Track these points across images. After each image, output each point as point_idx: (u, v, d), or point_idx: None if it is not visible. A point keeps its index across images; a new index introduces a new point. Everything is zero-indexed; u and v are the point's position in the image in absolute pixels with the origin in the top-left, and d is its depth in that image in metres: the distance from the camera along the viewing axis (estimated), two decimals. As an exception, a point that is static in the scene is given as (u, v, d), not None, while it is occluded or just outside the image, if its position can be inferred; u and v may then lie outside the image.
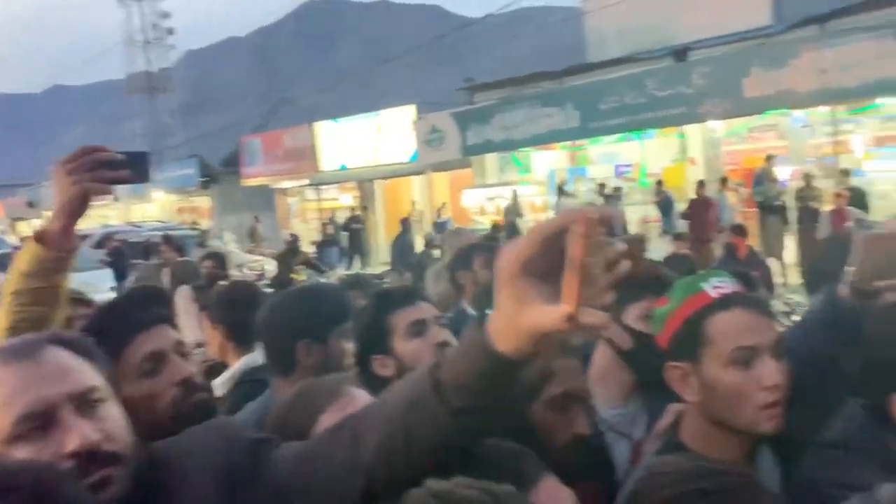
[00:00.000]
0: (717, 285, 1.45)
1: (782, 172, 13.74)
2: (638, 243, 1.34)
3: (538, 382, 1.41)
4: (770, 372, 1.36)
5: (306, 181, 23.11)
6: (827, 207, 11.41)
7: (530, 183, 17.67)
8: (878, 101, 12.66)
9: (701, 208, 12.69)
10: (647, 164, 16.31)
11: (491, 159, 17.94)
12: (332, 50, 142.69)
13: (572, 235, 0.80)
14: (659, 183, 14.75)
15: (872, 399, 1.34)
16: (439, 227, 16.48)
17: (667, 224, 13.84)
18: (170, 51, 51.88)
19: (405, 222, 16.54)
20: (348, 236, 19.05)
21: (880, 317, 1.39)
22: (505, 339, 0.84)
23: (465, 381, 0.87)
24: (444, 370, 0.89)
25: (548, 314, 0.81)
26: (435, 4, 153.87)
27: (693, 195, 13.14)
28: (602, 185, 15.50)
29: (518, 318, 0.83)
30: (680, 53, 14.88)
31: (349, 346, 1.83)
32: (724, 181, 13.68)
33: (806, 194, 12.27)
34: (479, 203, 17.61)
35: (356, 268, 16.88)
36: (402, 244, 15.59)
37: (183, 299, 3.05)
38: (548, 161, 17.91)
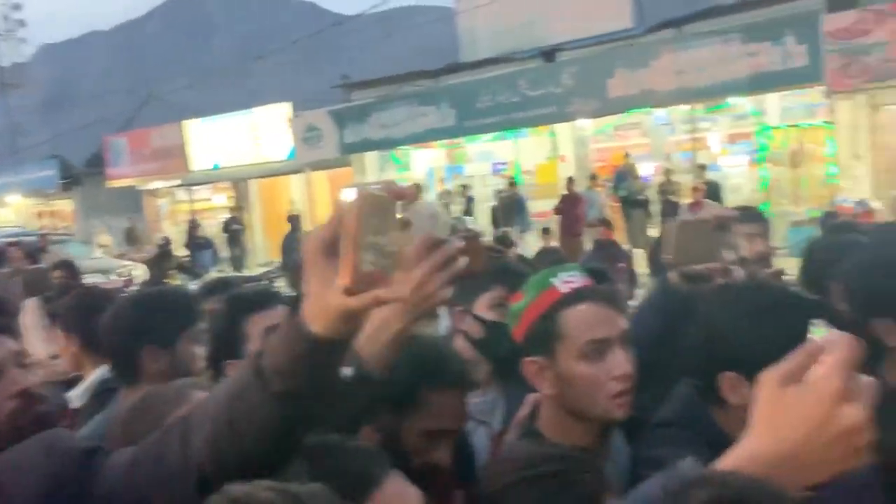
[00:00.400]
0: (568, 280, 1.50)
1: (646, 168, 14.52)
2: (475, 239, 1.37)
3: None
4: (620, 362, 1.43)
5: (177, 182, 22.21)
6: (686, 200, 12.14)
7: (410, 181, 17.76)
8: (730, 100, 13.58)
9: (570, 204, 13.23)
10: (522, 162, 16.77)
11: (370, 158, 17.89)
12: (202, 46, 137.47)
13: (347, 212, 0.83)
14: (512, 184, 15.20)
15: (703, 378, 1.42)
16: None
17: (520, 222, 14.21)
18: (21, 44, 48.37)
19: (294, 220, 16.18)
20: (228, 238, 18.49)
21: (709, 299, 1.49)
22: (316, 320, 0.86)
23: (284, 365, 0.87)
24: (265, 357, 0.89)
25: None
26: (309, 1, 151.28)
27: (564, 191, 13.67)
28: (465, 187, 15.83)
29: (324, 298, 0.86)
30: (549, 54, 15.38)
31: (199, 351, 1.78)
32: (593, 178, 14.28)
33: (667, 188, 13.04)
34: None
35: (232, 271, 16.40)
36: (292, 242, 15.25)
37: (30, 312, 2.86)
38: (427, 159, 18.07)
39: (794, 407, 0.76)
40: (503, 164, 17.25)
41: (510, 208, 14.44)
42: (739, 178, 14.02)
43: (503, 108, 14.85)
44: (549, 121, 14.83)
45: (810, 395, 0.75)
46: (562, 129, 15.40)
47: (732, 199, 12.87)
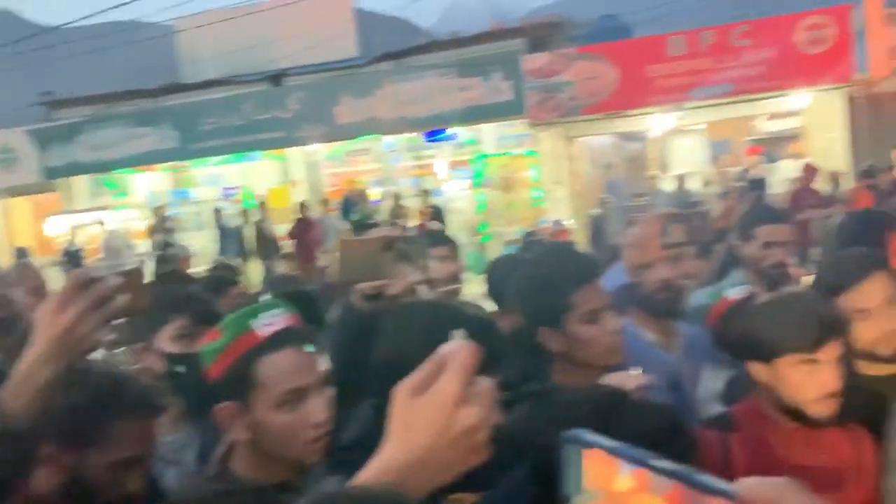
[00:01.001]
0: (269, 322, 1.41)
1: (377, 193, 15.00)
2: (136, 274, 1.30)
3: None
4: (317, 410, 1.39)
5: None
6: (413, 223, 12.72)
7: (129, 206, 16.48)
8: (449, 130, 14.52)
9: (304, 229, 13.21)
10: (253, 187, 16.39)
11: (80, 182, 16.32)
12: None
13: None
14: (216, 210, 14.88)
15: (385, 398, 1.46)
16: (70, 255, 14.27)
17: (228, 249, 13.91)
18: None
19: (22, 251, 14.05)
20: None
21: (388, 319, 1.53)
22: None
23: None
24: None
25: None
26: (5, 9, 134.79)
27: (297, 216, 13.61)
28: (164, 218, 15.12)
29: None
30: (275, 78, 15.29)
31: None
32: (325, 202, 14.41)
33: (396, 212, 13.57)
34: (67, 231, 15.76)
35: None
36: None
37: None
38: (148, 183, 16.91)
39: (420, 414, 0.82)
40: (234, 188, 16.72)
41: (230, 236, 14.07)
42: (461, 202, 15.01)
43: (230, 130, 14.45)
44: (277, 145, 14.70)
45: (433, 402, 0.81)
46: (294, 153, 15.35)
47: (455, 221, 13.76)
